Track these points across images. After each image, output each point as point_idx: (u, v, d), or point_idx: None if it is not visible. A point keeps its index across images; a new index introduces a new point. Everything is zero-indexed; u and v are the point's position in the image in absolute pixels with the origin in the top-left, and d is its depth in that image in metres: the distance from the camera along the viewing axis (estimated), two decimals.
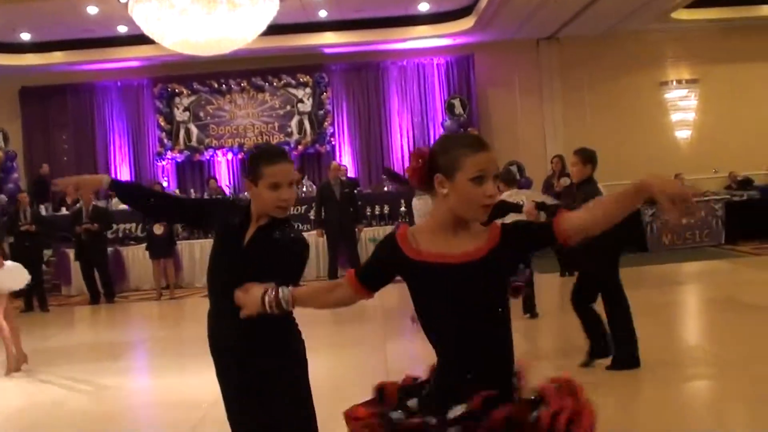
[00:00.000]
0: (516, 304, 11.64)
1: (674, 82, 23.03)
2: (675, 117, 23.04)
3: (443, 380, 3.21)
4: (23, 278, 11.02)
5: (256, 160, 4.22)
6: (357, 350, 10.52)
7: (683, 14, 21.24)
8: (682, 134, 23.05)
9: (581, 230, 3.21)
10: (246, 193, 4.91)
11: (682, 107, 23.01)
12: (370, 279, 3.40)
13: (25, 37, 20.70)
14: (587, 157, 9.06)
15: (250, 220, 4.26)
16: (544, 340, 10.77)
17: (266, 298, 3.60)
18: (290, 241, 4.29)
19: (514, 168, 20.11)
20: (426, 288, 3.21)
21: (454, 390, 3.11)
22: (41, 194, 20.78)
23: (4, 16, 18.69)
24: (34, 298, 16.72)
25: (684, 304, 13.51)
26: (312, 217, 18.33)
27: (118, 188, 4.61)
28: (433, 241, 3.21)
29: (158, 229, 16.93)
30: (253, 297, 3.63)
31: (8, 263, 10.94)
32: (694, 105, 23.05)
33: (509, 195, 11.18)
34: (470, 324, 3.13)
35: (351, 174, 20.33)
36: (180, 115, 22.80)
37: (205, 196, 19.91)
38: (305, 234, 18.14)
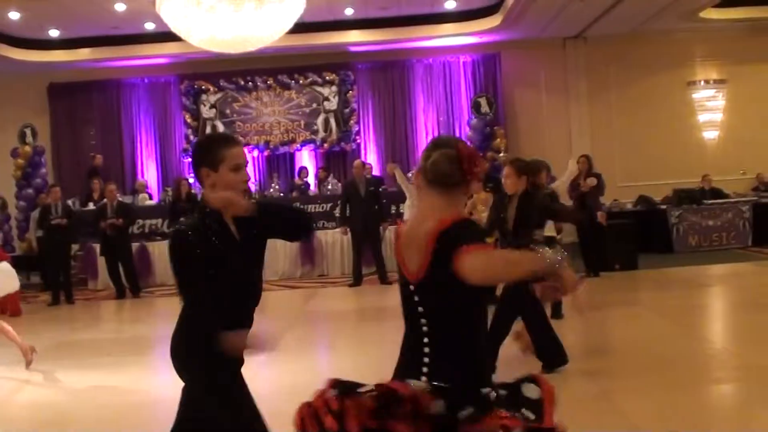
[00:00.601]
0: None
1: (702, 82, 22.90)
2: (702, 117, 22.91)
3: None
4: (13, 283, 11.08)
5: (212, 147, 4.27)
6: (378, 348, 10.52)
7: (712, 13, 21.10)
8: (710, 135, 22.92)
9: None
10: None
11: (710, 107, 22.87)
12: None
13: (54, 33, 20.81)
14: (522, 168, 8.55)
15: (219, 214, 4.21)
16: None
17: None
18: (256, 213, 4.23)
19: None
20: None
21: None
22: (86, 186, 21.04)
23: (33, 13, 18.81)
24: (60, 293, 16.87)
25: (710, 306, 13.45)
26: (337, 215, 18.36)
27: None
28: None
29: None
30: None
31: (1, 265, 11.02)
32: (722, 105, 22.91)
33: None
34: None
35: (376, 172, 20.32)
36: (206, 112, 22.87)
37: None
38: (330, 232, 18.37)
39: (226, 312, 4.13)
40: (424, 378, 3.45)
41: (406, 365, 3.59)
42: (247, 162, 4.34)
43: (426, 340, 3.53)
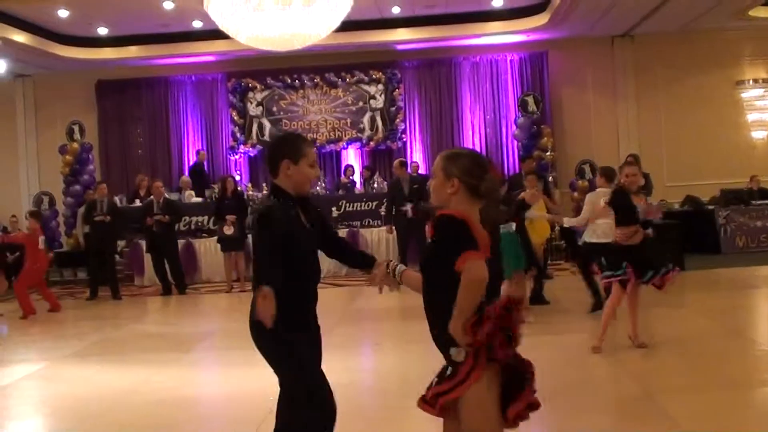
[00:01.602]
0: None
1: (751, 81, 22.66)
2: (751, 117, 22.68)
3: None
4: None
5: (297, 142, 5.00)
6: (422, 346, 10.51)
7: (761, 12, 20.86)
8: (759, 134, 22.68)
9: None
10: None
11: (759, 107, 22.64)
12: None
13: (102, 31, 20.97)
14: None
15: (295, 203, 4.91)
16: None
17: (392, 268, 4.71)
18: (315, 209, 5.12)
19: (586, 166, 20.10)
20: None
21: None
22: (197, 182, 21.32)
23: (81, 11, 18.96)
24: (99, 288, 17.02)
25: (757, 307, 13.32)
26: (383, 213, 18.39)
27: None
28: None
29: (228, 230, 17.08)
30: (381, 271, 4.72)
31: None
32: None
33: (606, 192, 11.14)
34: None
35: (422, 171, 20.30)
36: (253, 109, 22.97)
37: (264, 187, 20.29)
38: (375, 230, 18.43)
39: (299, 281, 4.82)
40: None
41: None
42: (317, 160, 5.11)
43: None
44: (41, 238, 15.67)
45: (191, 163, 22.84)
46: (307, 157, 4.89)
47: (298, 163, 4.85)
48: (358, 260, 5.16)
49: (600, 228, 11.32)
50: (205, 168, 22.46)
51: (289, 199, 4.86)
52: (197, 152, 22.70)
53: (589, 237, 11.50)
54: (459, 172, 4.16)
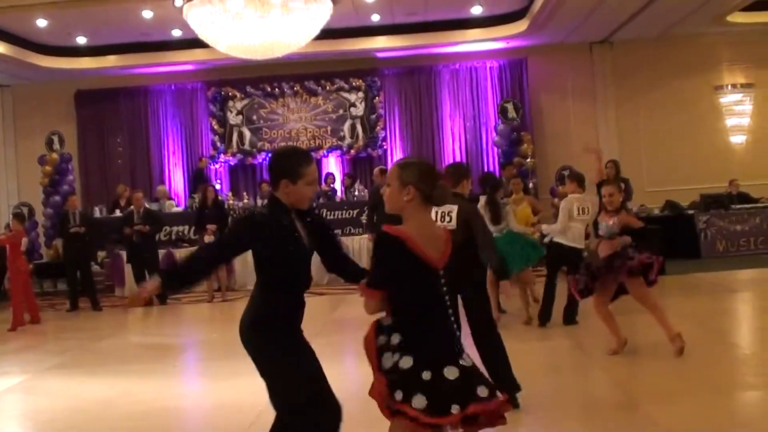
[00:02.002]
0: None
1: (729, 87, 22.76)
2: (730, 122, 22.79)
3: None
4: None
5: (295, 163, 4.93)
6: None
7: (738, 17, 20.99)
8: (737, 139, 22.79)
9: None
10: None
11: (738, 112, 22.75)
12: None
13: (81, 40, 20.91)
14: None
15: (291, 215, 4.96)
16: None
17: None
18: (320, 217, 5.30)
19: (566, 173, 20.12)
20: None
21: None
22: (195, 188, 21.22)
23: (60, 21, 18.89)
24: (79, 299, 16.97)
25: (738, 311, 13.37)
26: (364, 221, 18.38)
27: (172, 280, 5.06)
28: None
29: (209, 240, 17.03)
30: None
31: None
32: (750, 110, 22.78)
33: (578, 198, 11.20)
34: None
35: None
36: (233, 118, 22.93)
37: (258, 200, 20.10)
38: (357, 238, 18.40)
39: (289, 289, 4.95)
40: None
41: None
42: (317, 176, 5.14)
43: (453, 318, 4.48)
44: (24, 240, 15.65)
45: (167, 173, 22.84)
46: (305, 178, 4.89)
47: (296, 184, 4.87)
48: (359, 277, 5.12)
49: (571, 232, 11.35)
50: (205, 173, 22.35)
51: (284, 209, 4.90)
52: (199, 158, 22.65)
53: (558, 238, 11.51)
54: (414, 180, 4.40)
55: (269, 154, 22.36)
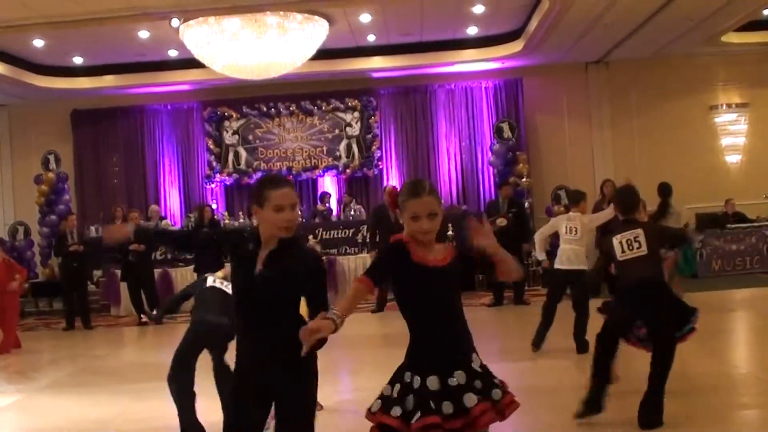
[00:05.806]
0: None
1: (724, 106, 22.80)
2: (725, 141, 22.83)
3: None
4: None
5: (261, 187, 4.76)
6: None
7: (733, 38, 21.04)
8: (732, 159, 22.83)
9: None
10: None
11: (732, 131, 22.79)
12: None
13: (78, 60, 20.92)
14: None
15: (260, 245, 4.75)
16: None
17: (336, 321, 4.33)
18: (301, 259, 4.76)
19: (562, 192, 20.14)
20: None
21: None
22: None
23: (57, 41, 18.90)
24: (76, 318, 16.96)
25: (734, 331, 13.39)
26: (360, 241, 18.38)
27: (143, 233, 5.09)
28: None
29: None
30: (326, 325, 4.27)
31: None
32: (745, 129, 22.81)
33: (568, 217, 11.27)
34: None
35: None
36: (229, 138, 22.92)
37: (254, 220, 20.08)
38: (353, 257, 18.35)
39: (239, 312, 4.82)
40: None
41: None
42: (294, 204, 4.73)
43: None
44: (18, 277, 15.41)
45: (163, 193, 22.85)
46: (270, 202, 4.64)
47: (264, 208, 4.67)
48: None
49: (564, 254, 11.31)
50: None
51: (254, 235, 4.79)
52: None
53: (556, 264, 11.48)
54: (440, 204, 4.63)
55: (264, 175, 22.45)
